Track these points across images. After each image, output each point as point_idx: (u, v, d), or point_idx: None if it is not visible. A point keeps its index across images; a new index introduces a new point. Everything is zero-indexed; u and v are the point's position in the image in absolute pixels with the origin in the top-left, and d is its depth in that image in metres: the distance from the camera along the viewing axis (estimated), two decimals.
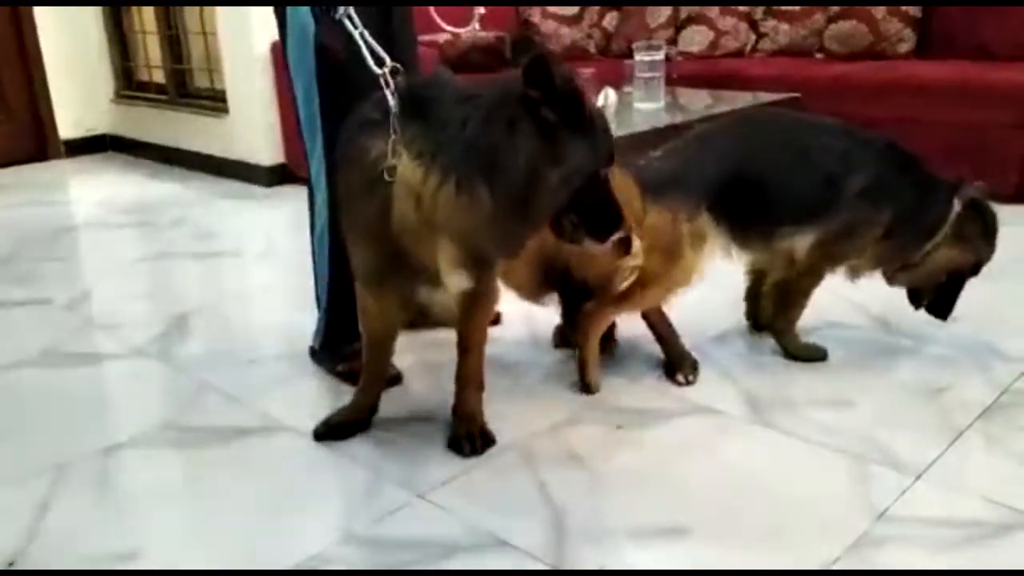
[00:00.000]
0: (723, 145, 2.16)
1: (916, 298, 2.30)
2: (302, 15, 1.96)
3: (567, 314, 2.27)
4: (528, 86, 1.52)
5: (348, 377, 2.18)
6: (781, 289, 2.26)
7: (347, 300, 2.08)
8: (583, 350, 2.15)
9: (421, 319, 2.13)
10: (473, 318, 1.88)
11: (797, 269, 2.19)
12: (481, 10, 2.13)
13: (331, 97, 2.00)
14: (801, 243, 2.15)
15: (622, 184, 2.02)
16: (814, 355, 2.26)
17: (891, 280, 2.27)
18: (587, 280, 2.10)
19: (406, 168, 1.61)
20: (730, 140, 2.18)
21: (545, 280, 2.16)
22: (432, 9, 2.08)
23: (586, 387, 2.13)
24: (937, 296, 2.26)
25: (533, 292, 2.20)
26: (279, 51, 4.26)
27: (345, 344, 2.22)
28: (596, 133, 1.62)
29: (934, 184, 2.17)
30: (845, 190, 2.10)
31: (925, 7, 4.27)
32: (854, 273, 2.26)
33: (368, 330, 1.96)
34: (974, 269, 2.22)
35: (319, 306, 2.30)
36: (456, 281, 1.75)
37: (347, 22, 1.75)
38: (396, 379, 2.19)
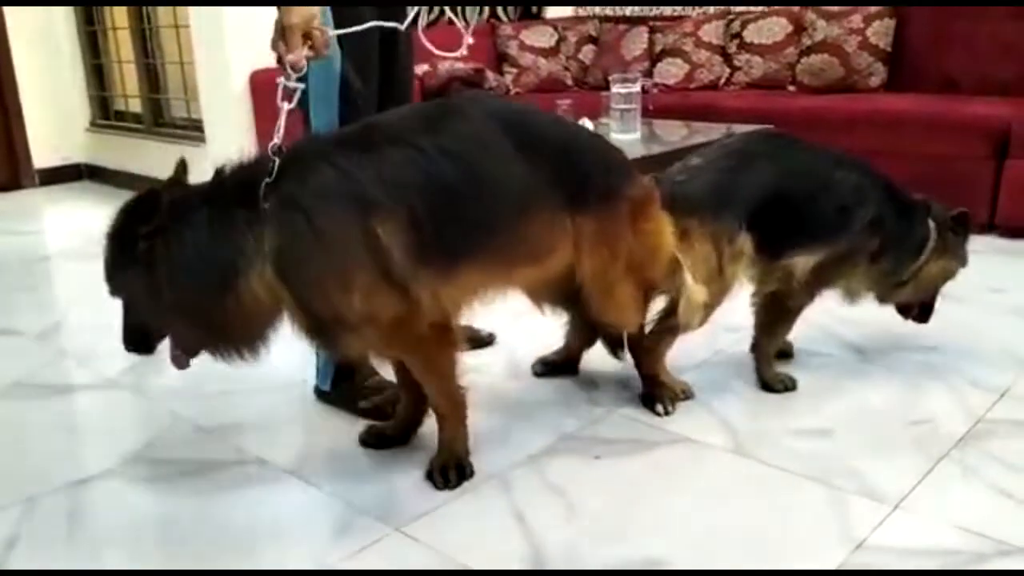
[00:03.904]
0: (759, 165, 2.17)
1: (906, 311, 2.42)
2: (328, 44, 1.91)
3: (578, 332, 2.30)
4: None
5: (374, 414, 2.13)
6: (774, 303, 2.26)
7: None
8: (656, 381, 2.19)
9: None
10: (408, 361, 1.86)
11: (793, 286, 2.21)
12: (470, 39, 2.13)
13: None
14: (804, 263, 2.18)
15: (658, 239, 2.03)
16: (787, 386, 2.28)
17: (884, 299, 2.35)
18: (607, 322, 2.13)
19: None
20: (764, 162, 2.19)
21: (561, 302, 2.16)
22: (424, 37, 2.08)
23: (671, 403, 2.17)
24: (921, 305, 2.41)
25: (542, 305, 2.19)
26: (258, 80, 4.29)
27: (359, 376, 2.19)
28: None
29: (914, 207, 2.27)
30: (855, 221, 2.17)
31: (895, 43, 4.37)
32: (852, 296, 2.31)
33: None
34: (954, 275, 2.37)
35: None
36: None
37: (280, 91, 1.72)
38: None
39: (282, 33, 1.73)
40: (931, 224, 2.26)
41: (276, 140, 1.65)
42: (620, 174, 1.99)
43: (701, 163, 2.20)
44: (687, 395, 2.22)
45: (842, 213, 2.16)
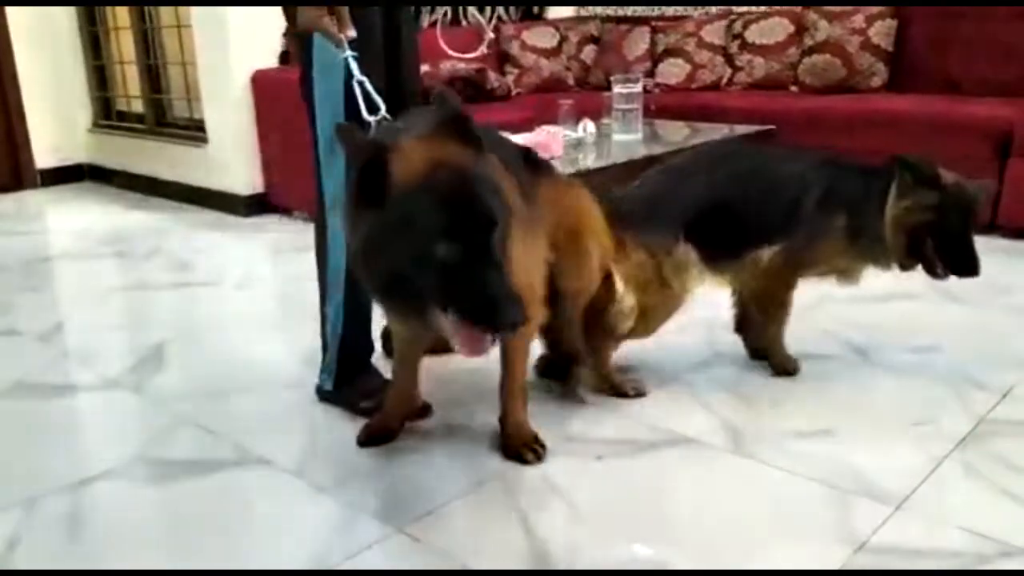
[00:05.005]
0: (694, 180, 2.26)
1: (929, 269, 2.24)
2: (331, 45, 1.91)
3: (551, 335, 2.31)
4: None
5: (373, 414, 2.13)
6: (756, 299, 2.32)
7: (360, 334, 2.11)
8: (602, 379, 2.25)
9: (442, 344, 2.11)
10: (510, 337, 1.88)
11: (764, 275, 2.24)
12: (491, 33, 2.19)
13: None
14: (766, 253, 2.23)
15: (584, 200, 2.13)
16: (789, 370, 2.33)
17: (903, 268, 2.26)
18: (563, 290, 2.11)
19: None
20: (700, 175, 2.28)
21: None
22: (440, 37, 2.13)
23: (626, 395, 2.23)
24: (945, 257, 2.19)
25: None
26: (259, 80, 4.30)
27: (362, 377, 2.20)
28: (399, 207, 1.42)
29: (874, 171, 2.24)
30: (804, 206, 2.21)
31: (897, 43, 4.36)
32: (849, 277, 2.30)
33: (396, 345, 2.04)
34: (944, 213, 2.16)
35: (327, 344, 2.21)
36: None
37: (352, 66, 1.76)
38: (425, 410, 2.17)
39: (330, 9, 1.79)
40: (897, 176, 2.18)
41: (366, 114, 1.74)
42: (535, 162, 2.13)
43: (638, 183, 2.31)
44: (638, 393, 2.25)
45: (791, 204, 2.21)
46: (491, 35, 1.98)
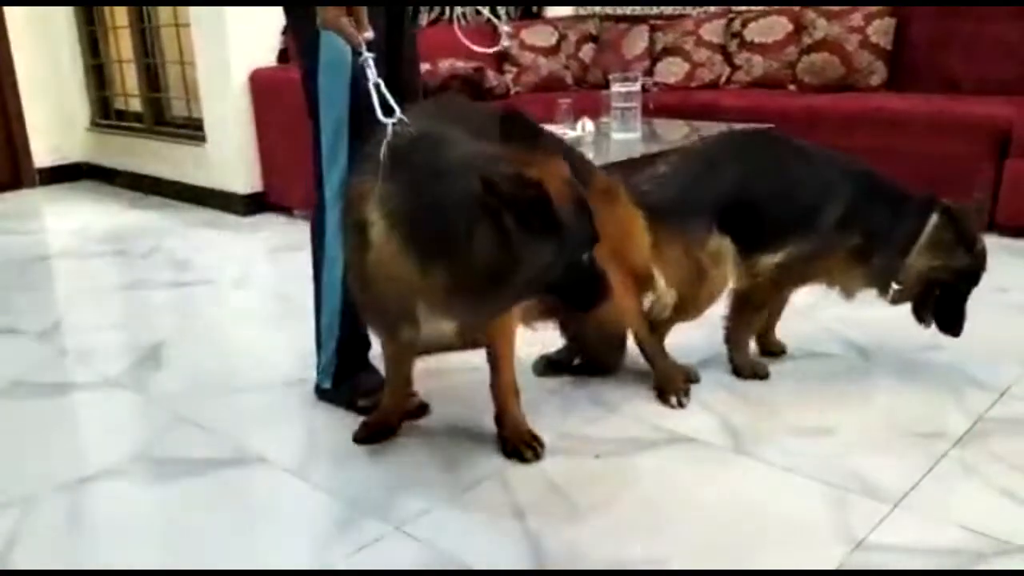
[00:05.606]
0: (726, 168, 2.21)
1: (920, 316, 2.29)
2: (338, 43, 1.91)
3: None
4: (488, 193, 1.50)
5: (371, 412, 2.14)
6: (739, 299, 2.30)
7: (357, 332, 2.11)
8: (655, 366, 2.26)
9: (436, 346, 2.12)
10: (496, 338, 1.94)
11: (758, 281, 2.22)
12: (507, 27, 2.21)
13: (359, 129, 1.96)
14: (768, 260, 2.20)
15: (633, 224, 2.11)
16: (757, 373, 2.32)
17: (894, 301, 2.25)
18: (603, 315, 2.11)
19: (377, 223, 1.64)
20: (732, 163, 2.22)
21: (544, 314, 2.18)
22: (459, 31, 2.14)
23: (684, 395, 2.21)
24: (939, 311, 2.25)
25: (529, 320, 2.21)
26: (258, 79, 4.30)
27: (360, 374, 2.21)
28: (568, 231, 1.58)
29: (908, 202, 2.21)
30: (823, 220, 2.16)
31: (896, 42, 4.36)
32: (846, 294, 2.29)
33: (385, 348, 2.03)
34: (963, 277, 2.20)
35: (322, 343, 2.21)
36: (441, 328, 1.74)
37: (368, 69, 1.78)
38: (423, 409, 2.17)
39: (348, 10, 1.79)
40: (933, 219, 2.16)
41: (381, 116, 1.76)
42: (583, 170, 2.10)
43: (667, 171, 2.25)
44: (692, 379, 2.26)
45: (809, 212, 2.16)
46: (506, 28, 1.99)
